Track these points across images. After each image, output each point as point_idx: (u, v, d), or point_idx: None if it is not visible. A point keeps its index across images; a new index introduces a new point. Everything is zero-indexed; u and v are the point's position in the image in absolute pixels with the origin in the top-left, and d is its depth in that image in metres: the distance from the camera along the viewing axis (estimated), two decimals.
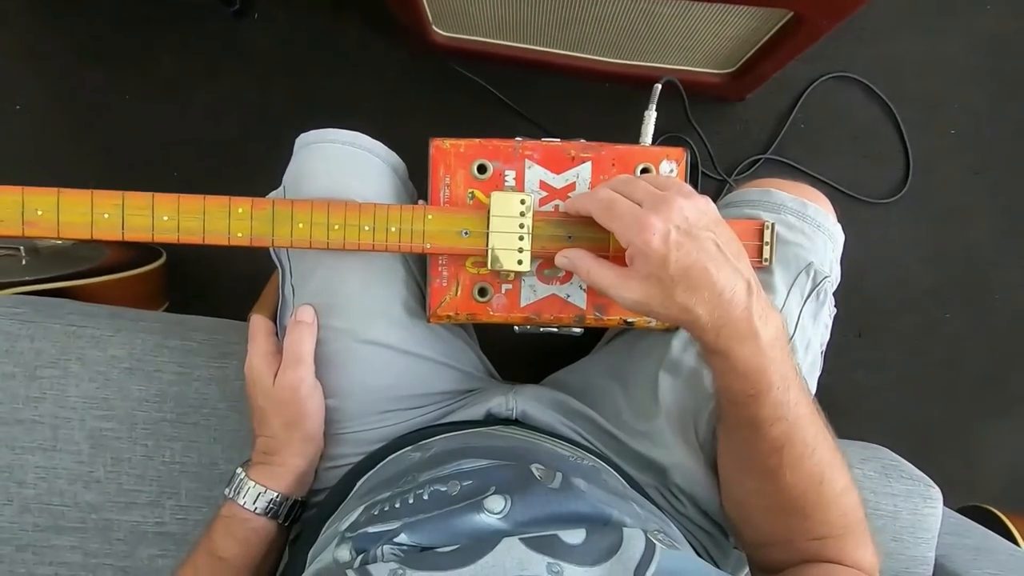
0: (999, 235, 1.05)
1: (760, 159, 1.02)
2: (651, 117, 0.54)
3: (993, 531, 0.73)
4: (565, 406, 0.55)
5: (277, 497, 0.47)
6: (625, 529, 0.33)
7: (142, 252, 0.90)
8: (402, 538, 0.34)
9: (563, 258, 0.45)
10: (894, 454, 0.66)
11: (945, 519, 0.64)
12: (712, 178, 1.01)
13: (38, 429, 0.58)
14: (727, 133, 1.02)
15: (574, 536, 0.32)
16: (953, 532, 0.69)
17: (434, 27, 0.90)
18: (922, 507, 0.60)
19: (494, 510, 0.35)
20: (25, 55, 1.00)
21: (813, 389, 0.53)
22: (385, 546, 0.34)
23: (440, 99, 1.01)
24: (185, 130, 1.01)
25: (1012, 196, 1.04)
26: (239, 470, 0.48)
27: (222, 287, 0.98)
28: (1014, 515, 0.87)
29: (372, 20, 0.98)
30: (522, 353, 0.68)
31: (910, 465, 0.64)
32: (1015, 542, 0.83)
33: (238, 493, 0.47)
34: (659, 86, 0.54)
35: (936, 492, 0.62)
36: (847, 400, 1.06)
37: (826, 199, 0.54)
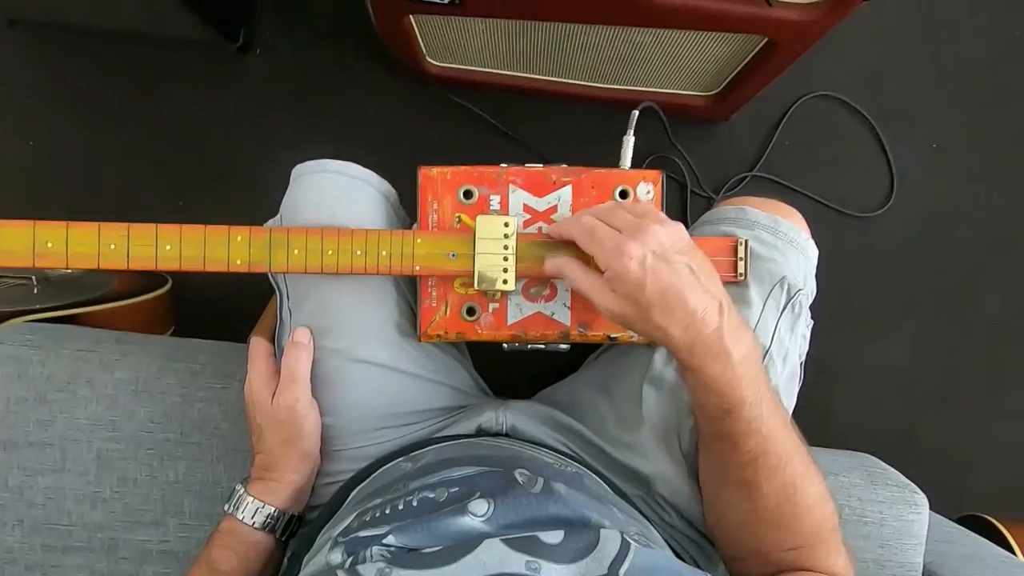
0: (985, 245, 1.06)
1: (747, 176, 1.05)
2: (629, 142, 0.56)
3: (990, 541, 0.73)
4: (553, 420, 0.56)
5: (275, 512, 0.49)
6: (603, 530, 0.35)
7: (149, 279, 0.93)
8: (390, 540, 0.36)
9: (552, 263, 0.47)
10: (880, 462, 0.67)
11: (939, 527, 0.65)
12: (699, 196, 1.04)
13: (47, 451, 0.60)
14: (714, 152, 1.05)
15: (553, 536, 0.34)
16: (946, 540, 0.69)
17: (428, 59, 0.94)
18: (908, 513, 0.61)
19: (477, 513, 0.37)
20: (34, 96, 1.04)
21: (794, 400, 0.54)
22: (374, 548, 0.36)
23: (436, 125, 1.05)
24: (193, 161, 1.05)
25: (996, 205, 1.06)
26: (238, 486, 0.50)
27: (225, 311, 1.00)
28: (1011, 524, 0.88)
29: (371, 52, 1.02)
30: (515, 370, 0.70)
31: (896, 472, 0.65)
32: (1012, 551, 0.83)
33: (237, 508, 0.49)
34: (636, 113, 0.57)
35: (921, 498, 0.63)
36: (837, 411, 1.07)
37: (799, 215, 0.56)
